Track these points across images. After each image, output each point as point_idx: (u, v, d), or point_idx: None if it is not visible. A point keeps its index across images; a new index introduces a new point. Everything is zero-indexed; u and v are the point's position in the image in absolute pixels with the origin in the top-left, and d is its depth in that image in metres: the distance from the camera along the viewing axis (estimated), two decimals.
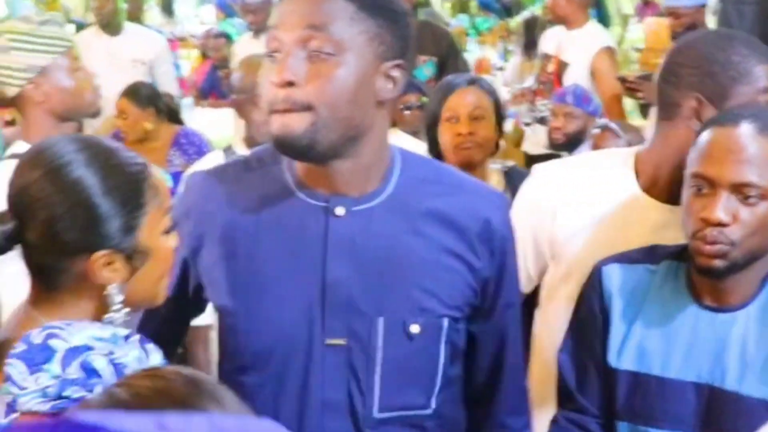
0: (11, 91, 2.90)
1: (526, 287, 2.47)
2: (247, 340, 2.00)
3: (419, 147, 3.79)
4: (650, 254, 2.21)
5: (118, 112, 5.39)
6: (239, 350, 2.02)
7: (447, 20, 12.50)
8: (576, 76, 6.06)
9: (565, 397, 2.29)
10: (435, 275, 1.95)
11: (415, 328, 1.94)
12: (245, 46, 6.53)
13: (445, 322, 1.98)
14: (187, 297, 2.09)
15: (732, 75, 2.21)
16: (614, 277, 2.19)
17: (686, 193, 2.04)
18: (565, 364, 2.27)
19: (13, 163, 2.83)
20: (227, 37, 9.00)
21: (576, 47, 6.21)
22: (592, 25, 6.39)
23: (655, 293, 2.16)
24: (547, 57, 6.46)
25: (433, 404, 2.02)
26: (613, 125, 4.73)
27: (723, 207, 1.95)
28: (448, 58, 6.64)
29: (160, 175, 1.83)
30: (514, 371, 2.19)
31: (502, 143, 3.50)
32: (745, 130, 1.96)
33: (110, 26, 6.44)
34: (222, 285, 1.99)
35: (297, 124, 1.79)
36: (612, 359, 2.16)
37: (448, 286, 1.97)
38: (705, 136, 2.02)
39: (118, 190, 1.74)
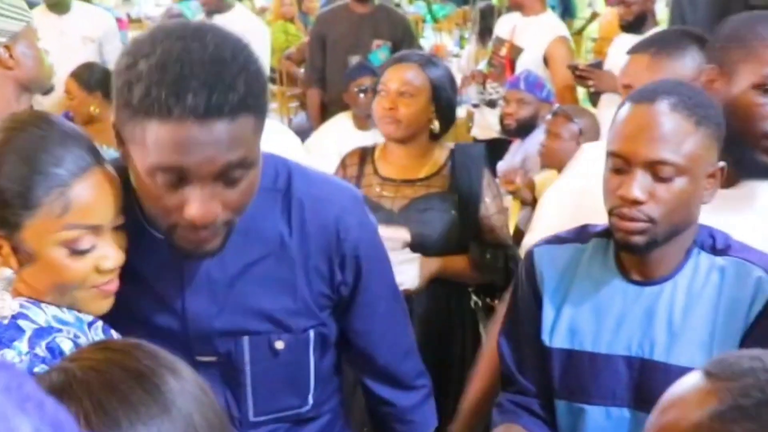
0: None
1: None
2: None
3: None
4: (580, 234, 2.24)
5: (66, 92, 5.32)
6: None
7: (405, 7, 12.54)
8: (529, 63, 6.08)
9: (506, 379, 2.31)
10: (294, 294, 1.98)
11: (279, 345, 2.00)
12: None
13: (311, 333, 2.03)
14: None
15: (743, 52, 2.22)
16: (545, 258, 2.23)
17: (604, 169, 2.04)
18: (504, 347, 2.30)
19: None
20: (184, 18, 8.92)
21: (531, 34, 6.23)
22: (549, 15, 6.41)
23: (585, 271, 2.18)
24: (500, 41, 6.47)
25: (311, 401, 2.12)
26: (566, 109, 4.73)
27: (639, 185, 1.96)
28: (403, 44, 6.63)
29: (93, 198, 1.73)
30: (392, 351, 2.25)
31: (436, 125, 3.41)
32: (660, 107, 1.96)
33: (59, 5, 6.37)
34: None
35: (216, 239, 1.78)
36: (546, 338, 2.18)
37: (308, 302, 2.00)
38: (621, 113, 2.02)
39: (13, 183, 1.68)
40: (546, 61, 6.11)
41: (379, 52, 6.56)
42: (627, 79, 2.65)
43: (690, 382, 1.12)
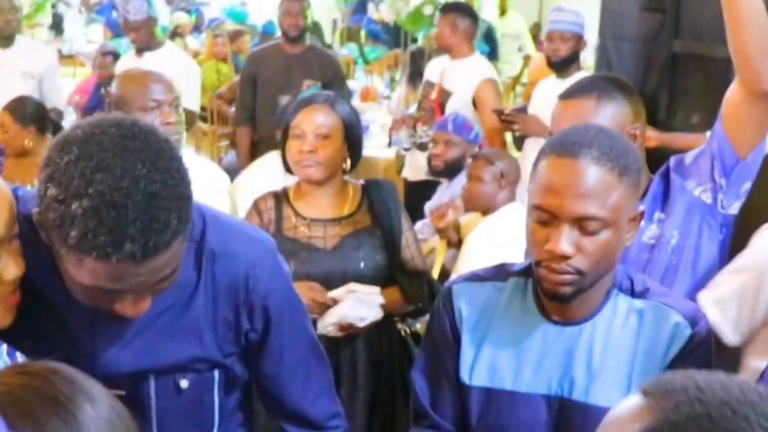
0: None
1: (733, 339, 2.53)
2: None
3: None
4: (498, 272, 2.26)
5: None
6: None
7: (337, 49, 12.61)
8: (457, 105, 6.13)
9: (418, 414, 2.32)
10: (200, 342, 2.04)
11: (184, 383, 2.06)
12: (128, 64, 6.46)
13: (216, 373, 2.10)
14: None
15: None
16: (463, 295, 2.24)
17: (528, 220, 2.06)
18: (418, 382, 2.30)
19: None
20: (115, 55, 8.89)
21: (459, 77, 6.27)
22: (476, 57, 6.46)
23: (504, 310, 2.20)
24: (430, 84, 6.52)
25: None
26: (487, 153, 4.79)
27: (566, 239, 1.97)
28: (333, 84, 6.68)
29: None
30: (302, 394, 2.27)
31: (348, 162, 3.48)
32: (584, 161, 1.97)
33: (2, 39, 6.35)
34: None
35: None
36: (465, 376, 2.19)
37: (214, 349, 2.06)
38: (544, 165, 2.03)
39: None
40: (475, 103, 6.17)
41: (309, 93, 6.59)
42: (562, 125, 2.66)
43: (628, 402, 1.16)
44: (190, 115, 6.31)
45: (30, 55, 6.54)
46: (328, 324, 3.31)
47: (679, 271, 2.64)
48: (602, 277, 2.06)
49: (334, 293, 3.31)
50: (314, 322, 3.26)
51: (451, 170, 5.40)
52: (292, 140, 3.43)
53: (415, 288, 3.49)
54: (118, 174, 1.61)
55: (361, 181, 3.57)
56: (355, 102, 10.07)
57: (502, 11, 12.72)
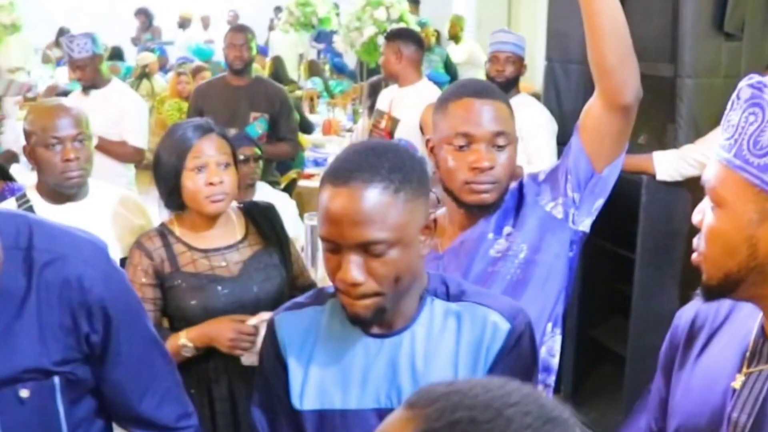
0: None
1: None
2: None
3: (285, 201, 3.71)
4: (317, 296, 2.25)
5: None
6: None
7: (302, 83, 12.56)
8: (405, 132, 6.07)
9: None
10: (34, 350, 2.02)
11: (24, 393, 2.04)
12: (74, 102, 6.38)
13: (57, 379, 2.08)
14: None
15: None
16: (285, 324, 2.22)
17: (322, 248, 2.02)
18: (256, 416, 2.27)
19: None
20: (66, 94, 8.81)
21: (406, 104, 6.22)
22: (423, 83, 6.40)
23: (326, 331, 2.18)
24: (380, 113, 6.47)
25: None
26: None
27: (354, 267, 1.94)
28: (281, 116, 6.62)
29: None
30: (146, 397, 2.28)
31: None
32: (354, 187, 1.91)
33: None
34: None
35: None
36: (296, 401, 2.16)
37: (48, 355, 2.04)
38: (322, 196, 1.99)
39: None
40: (422, 128, 6.11)
41: (257, 125, 6.52)
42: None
43: (394, 414, 1.14)
44: (136, 152, 6.26)
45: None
46: (252, 355, 3.21)
47: (528, 286, 2.61)
48: (406, 290, 2.03)
49: (252, 321, 3.21)
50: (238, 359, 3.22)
51: None
52: (192, 173, 3.22)
53: None
54: None
55: (237, 205, 3.48)
56: (317, 135, 10.02)
57: (456, 39, 12.77)
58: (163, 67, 13.87)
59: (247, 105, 6.59)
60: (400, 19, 8.62)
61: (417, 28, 8.60)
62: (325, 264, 2.01)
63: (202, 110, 6.67)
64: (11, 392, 2.02)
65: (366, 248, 1.93)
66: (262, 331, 3.16)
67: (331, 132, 10.14)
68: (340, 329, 2.14)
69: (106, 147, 5.99)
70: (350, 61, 12.93)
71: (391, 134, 6.27)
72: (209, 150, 3.24)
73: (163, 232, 3.34)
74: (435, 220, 2.04)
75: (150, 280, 3.23)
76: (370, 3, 8.55)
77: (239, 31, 6.75)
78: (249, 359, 3.22)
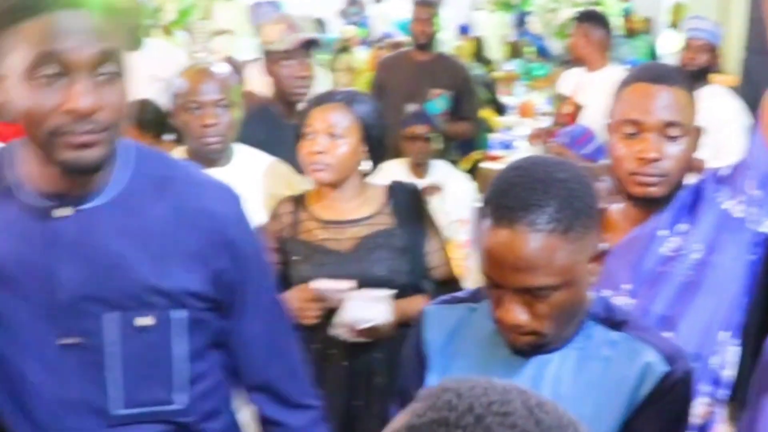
0: None
1: None
2: None
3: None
4: (476, 293, 2.11)
5: None
6: None
7: (499, 64, 12.38)
8: (591, 119, 5.83)
9: None
10: (160, 271, 1.94)
11: (144, 321, 1.94)
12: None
13: (178, 314, 1.97)
14: None
15: None
16: (433, 319, 2.12)
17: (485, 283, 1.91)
18: (392, 413, 2.12)
19: None
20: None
21: (593, 89, 5.99)
22: (612, 69, 6.14)
23: (473, 332, 2.05)
24: (564, 98, 6.27)
25: (180, 399, 2.02)
26: (594, 167, 4.46)
27: (517, 309, 1.83)
28: (463, 94, 6.48)
29: None
30: (278, 364, 2.20)
31: (367, 165, 3.28)
32: (519, 231, 1.77)
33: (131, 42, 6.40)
34: None
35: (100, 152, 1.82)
36: None
37: (176, 281, 1.96)
38: (483, 230, 1.84)
39: None
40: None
41: (437, 101, 6.39)
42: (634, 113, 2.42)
43: None
44: None
45: (160, 58, 6.53)
46: (337, 326, 3.12)
47: (701, 289, 2.36)
48: (568, 325, 1.90)
49: (317, 284, 3.13)
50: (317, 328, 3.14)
51: None
52: (303, 140, 3.24)
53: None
54: None
55: (386, 183, 3.36)
56: (512, 117, 9.82)
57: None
58: (366, 42, 13.89)
59: (429, 81, 6.46)
60: (598, 2, 8.35)
61: (619, 13, 8.30)
62: (488, 294, 1.90)
63: (384, 84, 6.60)
64: (130, 320, 1.93)
65: (529, 291, 1.81)
66: (348, 306, 3.10)
67: (525, 114, 9.95)
68: (488, 335, 2.00)
69: None
70: (556, 45, 12.68)
71: (574, 120, 6.07)
72: (318, 119, 3.20)
73: (298, 198, 3.33)
74: (604, 252, 1.89)
75: (271, 243, 3.19)
76: None
77: (424, 5, 6.64)
78: (335, 329, 3.14)
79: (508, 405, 1.02)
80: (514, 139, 8.62)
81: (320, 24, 14.67)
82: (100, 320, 1.91)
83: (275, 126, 4.13)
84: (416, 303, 3.17)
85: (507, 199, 1.79)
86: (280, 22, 4.26)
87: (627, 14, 10.04)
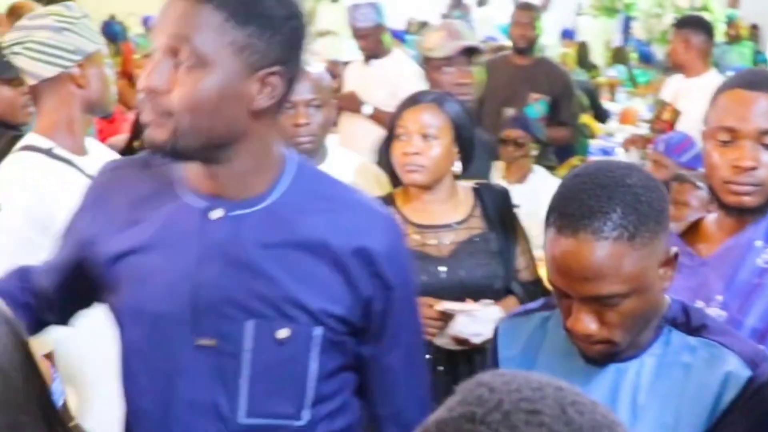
0: (51, 72, 2.87)
1: None
2: (124, 335, 2.03)
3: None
4: (547, 302, 2.10)
5: None
6: (121, 345, 2.05)
7: (602, 70, 12.28)
8: (689, 126, 5.76)
9: None
10: (306, 287, 1.93)
11: (282, 334, 1.92)
12: (355, 70, 6.50)
13: (316, 331, 1.95)
14: (76, 277, 2.08)
15: None
16: (507, 334, 2.12)
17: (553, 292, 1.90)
18: None
19: (29, 156, 2.84)
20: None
21: (692, 96, 5.91)
22: (712, 75, 6.06)
23: (550, 342, 2.04)
24: (662, 104, 6.21)
25: (305, 416, 2.00)
26: (690, 176, 4.42)
27: (586, 319, 1.81)
28: (562, 99, 6.46)
29: None
30: (413, 401, 2.15)
31: (458, 166, 3.27)
32: (583, 240, 1.75)
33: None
34: (111, 279, 2.00)
35: (158, 134, 1.82)
36: None
37: (320, 300, 1.94)
38: (548, 239, 1.83)
39: None
40: None
41: (536, 106, 6.38)
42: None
43: None
44: None
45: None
46: (444, 336, 3.13)
47: None
48: (642, 331, 1.87)
49: (445, 306, 3.10)
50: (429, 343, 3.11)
51: None
52: (396, 141, 3.23)
53: (531, 297, 3.22)
54: None
55: (472, 184, 3.35)
56: (613, 124, 9.74)
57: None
58: None
59: (528, 85, 6.45)
60: (704, 8, 8.25)
61: (724, 20, 8.19)
62: (557, 302, 1.89)
63: (482, 87, 6.60)
64: (269, 328, 1.92)
65: (598, 300, 1.78)
66: (460, 319, 3.10)
67: (628, 121, 9.86)
68: (562, 344, 1.99)
69: (381, 118, 6.00)
70: (660, 51, 12.52)
71: (672, 126, 6.01)
72: (411, 120, 3.19)
73: (386, 199, 3.28)
74: (676, 255, 1.87)
75: None
76: None
77: (525, 9, 6.65)
78: (441, 339, 3.14)
79: (539, 402, 0.99)
80: (615, 145, 8.55)
81: (423, 27, 14.74)
82: (240, 326, 1.92)
83: None
84: (511, 305, 3.18)
85: (570, 206, 1.78)
86: (440, 29, 4.24)
87: (731, 20, 9.87)
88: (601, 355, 1.87)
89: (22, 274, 2.17)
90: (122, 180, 2.04)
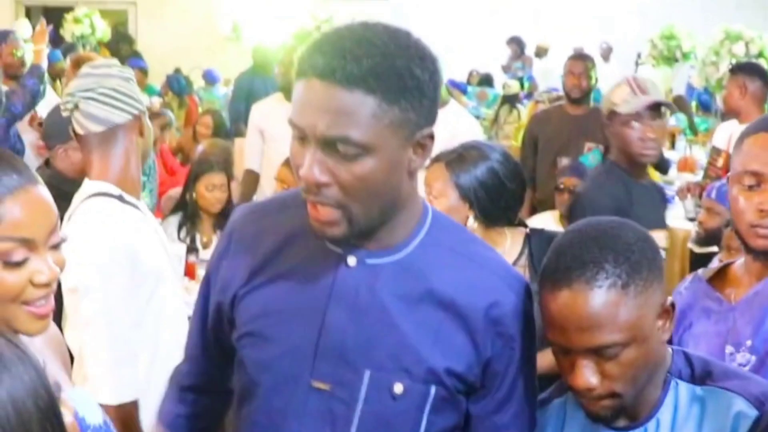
0: (122, 118, 2.96)
1: None
2: (246, 369, 2.03)
3: None
4: (556, 388, 2.11)
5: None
6: (239, 377, 2.08)
7: (666, 119, 12.20)
8: None
9: None
10: (430, 343, 1.91)
11: (398, 388, 1.90)
12: None
13: (433, 389, 1.92)
14: (216, 331, 2.14)
15: None
16: None
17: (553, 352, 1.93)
18: None
19: (106, 202, 2.94)
20: None
21: None
22: None
23: (571, 420, 2.05)
24: (717, 151, 6.21)
25: None
26: None
27: (587, 372, 1.83)
28: None
29: (24, 213, 1.83)
30: None
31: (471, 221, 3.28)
32: (576, 291, 1.79)
33: None
34: (245, 313, 2.02)
35: (336, 230, 1.82)
36: None
37: (442, 356, 1.91)
38: (543, 296, 1.87)
39: None
40: None
41: (591, 155, 6.40)
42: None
43: None
44: None
45: None
46: None
47: None
48: (648, 381, 1.89)
49: None
50: None
51: (712, 240, 5.05)
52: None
53: None
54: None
55: (525, 230, 3.39)
56: (672, 173, 9.70)
57: None
58: (530, 95, 13.96)
59: (583, 134, 6.48)
60: (760, 54, 8.23)
61: None
62: (558, 364, 1.92)
63: (537, 137, 6.67)
64: (386, 382, 1.90)
65: (597, 351, 1.82)
66: None
67: (686, 169, 9.80)
68: (583, 421, 2.01)
69: None
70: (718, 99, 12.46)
71: (726, 172, 5.97)
72: (425, 181, 3.29)
73: None
74: (673, 305, 1.90)
75: None
76: (729, 37, 8.22)
77: (579, 59, 6.70)
78: None
79: None
80: (672, 195, 8.51)
81: (488, 78, 14.83)
82: (359, 374, 1.91)
83: (626, 186, 4.17)
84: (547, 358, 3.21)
85: (562, 261, 1.83)
86: (626, 84, 4.22)
87: None
88: (608, 410, 1.88)
89: (179, 394, 2.27)
90: (259, 223, 2.05)
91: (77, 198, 3.00)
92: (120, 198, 2.96)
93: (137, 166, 3.06)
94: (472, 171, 3.31)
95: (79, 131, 2.97)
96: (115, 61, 3.27)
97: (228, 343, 2.08)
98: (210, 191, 5.49)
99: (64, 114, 3.00)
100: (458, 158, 3.33)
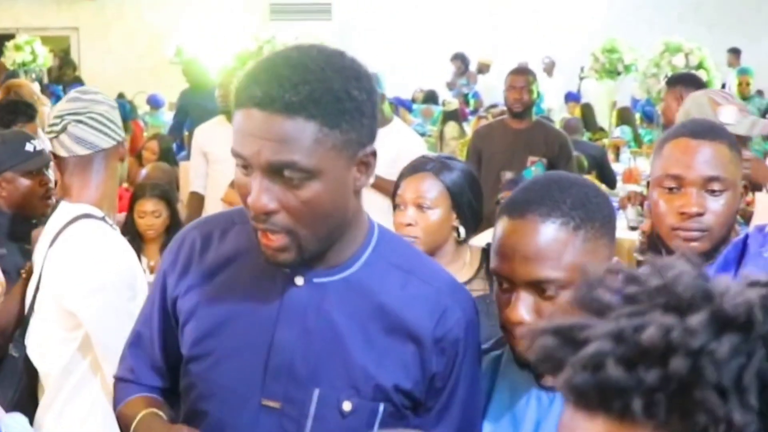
0: (108, 143, 3.03)
1: None
2: (193, 386, 2.03)
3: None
4: (497, 342, 2.12)
5: None
6: (188, 396, 2.06)
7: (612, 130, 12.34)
8: None
9: None
10: (378, 360, 1.93)
11: (347, 406, 1.92)
12: None
13: (381, 407, 1.94)
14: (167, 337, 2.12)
15: None
16: None
17: (495, 286, 1.95)
18: None
19: (94, 224, 2.94)
20: None
21: None
22: None
23: (502, 379, 2.06)
24: None
25: None
26: None
27: (523, 306, 1.83)
28: (560, 161, 6.51)
29: None
30: None
31: (461, 231, 3.28)
32: (530, 220, 1.82)
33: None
34: (194, 331, 2.01)
35: (285, 257, 1.83)
36: None
37: (389, 374, 1.93)
38: (497, 228, 1.90)
39: None
40: None
41: (533, 169, 6.44)
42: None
43: None
44: None
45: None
46: None
47: None
48: None
49: None
50: None
51: (655, 249, 5.09)
52: (396, 210, 3.28)
53: None
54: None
55: (482, 245, 3.37)
56: (618, 185, 9.76)
57: None
58: (476, 112, 14.03)
59: (526, 148, 6.53)
60: (700, 66, 8.31)
61: (733, 77, 8.23)
62: (496, 300, 1.92)
63: (480, 152, 6.68)
64: (335, 401, 1.91)
65: (538, 287, 1.82)
66: None
67: (631, 181, 9.87)
68: (515, 378, 2.02)
69: (382, 186, 6.04)
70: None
71: None
72: (408, 190, 3.24)
73: None
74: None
75: None
76: (668, 49, 8.30)
77: (520, 73, 6.73)
78: None
79: None
80: (616, 206, 8.58)
81: (432, 95, 14.89)
82: (308, 393, 1.92)
83: None
84: None
85: (524, 195, 1.87)
86: (733, 103, 4.11)
87: (741, 75, 9.94)
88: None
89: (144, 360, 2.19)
90: (206, 239, 2.04)
91: (57, 220, 3.03)
92: (104, 220, 3.02)
93: (115, 190, 3.20)
94: (456, 173, 3.30)
95: (62, 153, 3.01)
96: (91, 88, 3.35)
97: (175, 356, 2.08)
98: (141, 218, 5.51)
99: (50, 136, 3.05)
100: (441, 165, 3.31)
